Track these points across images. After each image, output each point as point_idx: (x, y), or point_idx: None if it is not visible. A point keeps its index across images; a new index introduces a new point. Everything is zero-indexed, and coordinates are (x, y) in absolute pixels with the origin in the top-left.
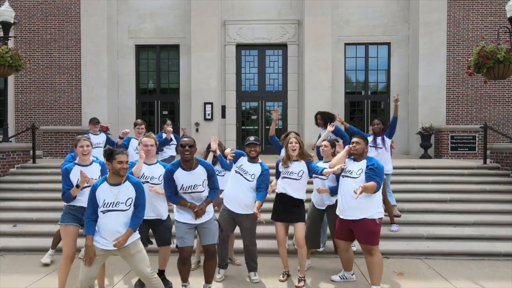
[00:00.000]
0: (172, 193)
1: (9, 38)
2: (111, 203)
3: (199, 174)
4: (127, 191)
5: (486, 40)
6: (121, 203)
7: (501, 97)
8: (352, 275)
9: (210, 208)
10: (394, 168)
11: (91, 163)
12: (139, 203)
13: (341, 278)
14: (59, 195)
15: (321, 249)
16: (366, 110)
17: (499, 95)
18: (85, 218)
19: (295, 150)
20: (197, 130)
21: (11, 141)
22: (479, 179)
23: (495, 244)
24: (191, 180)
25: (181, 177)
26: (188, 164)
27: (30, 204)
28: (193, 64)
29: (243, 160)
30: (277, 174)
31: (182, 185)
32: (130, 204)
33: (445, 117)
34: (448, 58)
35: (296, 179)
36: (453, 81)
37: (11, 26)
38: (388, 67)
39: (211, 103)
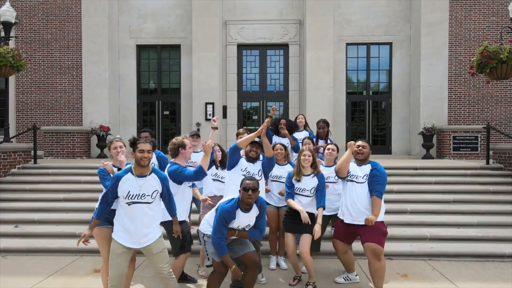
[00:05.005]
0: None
1: (11, 38)
2: (136, 195)
3: (253, 213)
4: (152, 183)
5: (488, 40)
6: (147, 195)
7: (503, 97)
8: (356, 276)
9: None
10: (397, 168)
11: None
12: (168, 194)
13: (345, 280)
14: (60, 195)
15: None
16: (368, 110)
17: (501, 95)
18: (101, 203)
19: (307, 162)
20: (198, 130)
21: (12, 142)
22: (482, 179)
23: (499, 246)
24: (247, 221)
25: (239, 217)
26: (248, 207)
27: (31, 205)
28: (194, 64)
29: (243, 163)
30: (288, 186)
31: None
32: (155, 197)
33: (447, 117)
34: (450, 58)
35: (308, 196)
36: (455, 81)
37: (12, 26)
38: (390, 67)
39: (212, 103)
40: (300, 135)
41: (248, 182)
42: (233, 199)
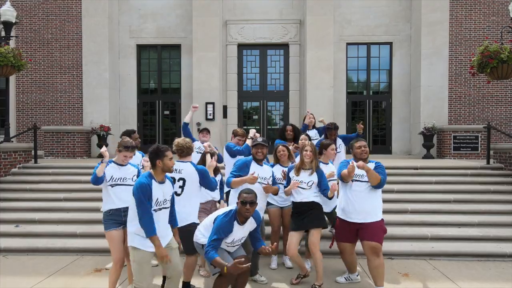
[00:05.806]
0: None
1: (11, 37)
2: (161, 201)
3: (248, 226)
4: (169, 188)
5: (489, 40)
6: (168, 200)
7: (504, 97)
8: (357, 276)
9: None
10: (398, 168)
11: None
12: (173, 199)
13: (346, 280)
14: (60, 195)
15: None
16: (368, 110)
17: (501, 95)
18: (146, 217)
19: (308, 158)
20: (198, 130)
21: (12, 141)
22: (483, 179)
23: (500, 245)
24: (241, 233)
25: (235, 231)
26: (244, 220)
27: (32, 204)
28: (194, 64)
29: (254, 167)
30: (287, 181)
31: (233, 239)
32: (171, 199)
33: (448, 117)
34: (450, 58)
35: (304, 188)
36: (455, 81)
37: (12, 26)
38: (390, 67)
39: (213, 103)
40: (311, 133)
41: (246, 196)
42: (230, 211)
